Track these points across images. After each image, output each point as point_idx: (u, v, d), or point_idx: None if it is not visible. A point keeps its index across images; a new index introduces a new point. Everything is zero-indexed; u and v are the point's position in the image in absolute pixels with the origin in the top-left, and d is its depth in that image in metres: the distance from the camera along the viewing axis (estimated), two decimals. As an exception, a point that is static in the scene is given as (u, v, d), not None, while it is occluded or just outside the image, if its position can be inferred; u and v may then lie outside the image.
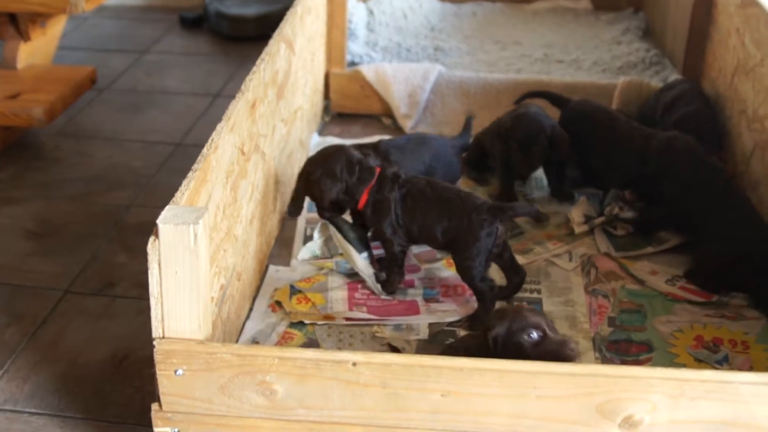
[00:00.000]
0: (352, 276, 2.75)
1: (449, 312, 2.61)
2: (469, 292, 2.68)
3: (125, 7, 5.53)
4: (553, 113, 3.36)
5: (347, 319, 2.56)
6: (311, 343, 2.47)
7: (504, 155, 3.12)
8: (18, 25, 3.64)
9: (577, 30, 4.59)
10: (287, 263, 2.85)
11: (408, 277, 2.76)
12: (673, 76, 3.79)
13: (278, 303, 2.63)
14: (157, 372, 1.95)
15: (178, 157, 3.62)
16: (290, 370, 1.92)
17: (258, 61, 2.66)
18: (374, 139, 3.23)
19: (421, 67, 3.89)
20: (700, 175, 2.80)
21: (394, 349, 2.45)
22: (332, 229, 2.82)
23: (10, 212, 3.20)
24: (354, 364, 1.91)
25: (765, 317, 2.59)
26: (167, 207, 1.91)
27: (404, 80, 3.83)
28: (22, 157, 3.61)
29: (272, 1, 5.06)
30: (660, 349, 2.47)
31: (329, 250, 2.89)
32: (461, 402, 1.92)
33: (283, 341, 2.48)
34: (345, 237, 2.79)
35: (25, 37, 3.67)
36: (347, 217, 2.81)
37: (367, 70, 3.87)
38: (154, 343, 1.93)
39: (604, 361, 2.41)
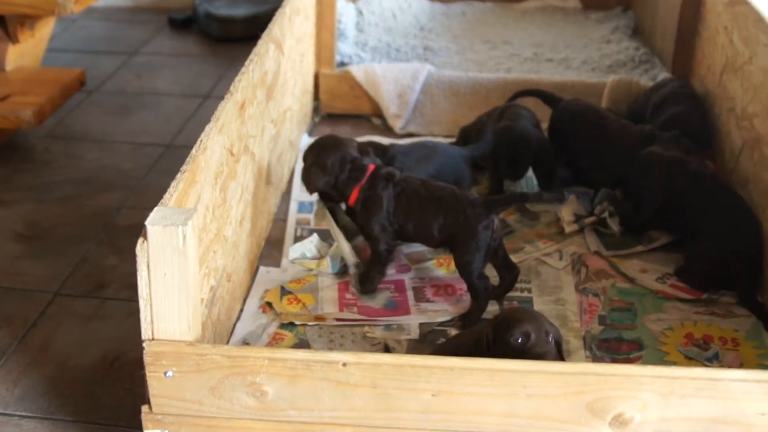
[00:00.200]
0: (343, 276, 2.75)
1: (440, 312, 2.61)
2: (460, 291, 2.68)
3: (114, 8, 5.52)
4: (544, 111, 3.37)
5: (338, 319, 2.56)
6: (302, 344, 2.47)
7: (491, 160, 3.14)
8: (6, 27, 3.62)
9: (566, 29, 4.59)
10: (278, 264, 2.85)
11: (398, 277, 2.76)
12: (663, 74, 3.80)
13: (269, 304, 2.63)
14: (147, 374, 1.94)
15: (167, 159, 3.61)
16: (280, 371, 1.92)
17: (247, 62, 2.66)
18: (364, 139, 3.22)
19: (410, 67, 3.89)
20: (683, 186, 2.80)
21: (388, 349, 2.45)
22: (327, 215, 2.84)
23: (0, 215, 3.19)
24: (344, 364, 1.90)
25: (755, 315, 2.60)
26: (156, 208, 1.90)
27: (394, 80, 3.83)
28: (11, 159, 3.60)
29: (261, 2, 5.06)
30: (650, 347, 2.47)
31: (319, 252, 2.88)
32: (452, 402, 1.92)
33: (274, 342, 2.48)
34: (337, 222, 2.81)
35: (13, 39, 3.66)
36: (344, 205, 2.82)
37: (357, 71, 3.87)
38: (144, 344, 1.93)
39: (595, 359, 2.42)
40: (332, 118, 3.89)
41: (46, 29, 3.93)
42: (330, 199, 2.79)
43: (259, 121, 2.77)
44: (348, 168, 2.69)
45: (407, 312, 2.61)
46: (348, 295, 2.67)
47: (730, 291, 2.68)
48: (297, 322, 2.54)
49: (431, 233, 2.62)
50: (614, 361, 2.41)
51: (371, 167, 2.71)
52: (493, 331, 2.13)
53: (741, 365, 2.40)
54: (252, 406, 1.95)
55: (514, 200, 2.89)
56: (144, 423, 2.00)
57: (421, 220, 2.63)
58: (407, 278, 2.76)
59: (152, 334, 1.94)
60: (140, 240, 1.87)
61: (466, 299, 2.62)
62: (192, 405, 1.96)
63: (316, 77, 3.89)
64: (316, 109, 3.92)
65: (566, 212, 3.03)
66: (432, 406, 1.92)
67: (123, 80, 4.44)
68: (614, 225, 2.94)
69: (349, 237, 2.81)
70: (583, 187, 3.21)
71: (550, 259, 2.86)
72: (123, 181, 3.45)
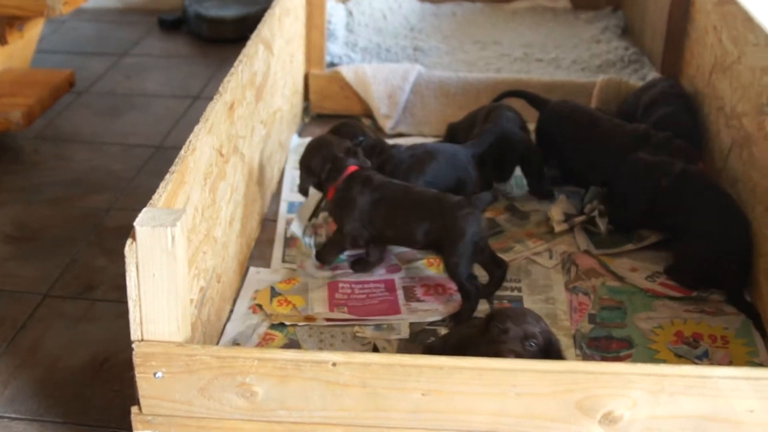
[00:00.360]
0: (333, 276, 2.75)
1: (430, 311, 2.61)
2: (450, 291, 2.68)
3: (103, 9, 5.51)
4: (531, 113, 3.37)
5: (328, 319, 2.56)
6: (292, 344, 2.47)
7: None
8: (-5, 28, 3.62)
9: (556, 29, 4.60)
10: (268, 264, 2.85)
11: (388, 276, 2.76)
12: (652, 74, 3.80)
13: (259, 305, 2.63)
14: (136, 375, 1.94)
15: (157, 160, 3.61)
16: (270, 372, 1.92)
17: (236, 63, 2.66)
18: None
19: (400, 68, 3.89)
20: (669, 187, 2.80)
21: (377, 350, 2.45)
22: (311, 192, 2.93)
23: (-11, 216, 3.19)
24: (334, 364, 1.90)
25: (743, 313, 2.60)
26: (144, 209, 1.90)
27: (384, 81, 3.83)
28: (0, 161, 3.59)
29: (251, 3, 5.06)
30: (640, 345, 2.47)
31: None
32: (442, 401, 1.92)
33: (264, 343, 2.47)
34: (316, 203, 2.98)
35: (2, 40, 3.65)
36: None
37: (347, 71, 3.87)
38: (133, 345, 1.93)
39: (585, 358, 2.42)
40: (322, 118, 3.89)
41: (35, 30, 3.93)
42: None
43: (249, 122, 2.77)
44: (327, 167, 2.74)
45: (397, 312, 2.61)
46: (338, 295, 2.67)
47: (719, 290, 2.68)
48: (287, 323, 2.54)
49: (415, 238, 2.63)
50: (604, 359, 2.41)
51: (351, 168, 2.74)
52: (488, 319, 2.17)
53: (730, 363, 2.40)
54: (242, 406, 1.95)
55: (487, 203, 2.71)
56: (133, 424, 2.00)
57: (402, 226, 2.64)
58: (397, 278, 2.76)
59: (141, 335, 1.94)
60: (129, 241, 1.87)
61: (457, 298, 2.63)
62: (181, 406, 1.96)
63: (306, 78, 3.89)
64: (306, 110, 3.92)
65: (556, 211, 3.04)
66: (422, 405, 1.92)
67: (112, 81, 4.43)
68: (603, 224, 2.94)
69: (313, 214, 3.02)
70: (573, 187, 3.22)
71: (540, 258, 2.87)
72: (112, 182, 3.44)
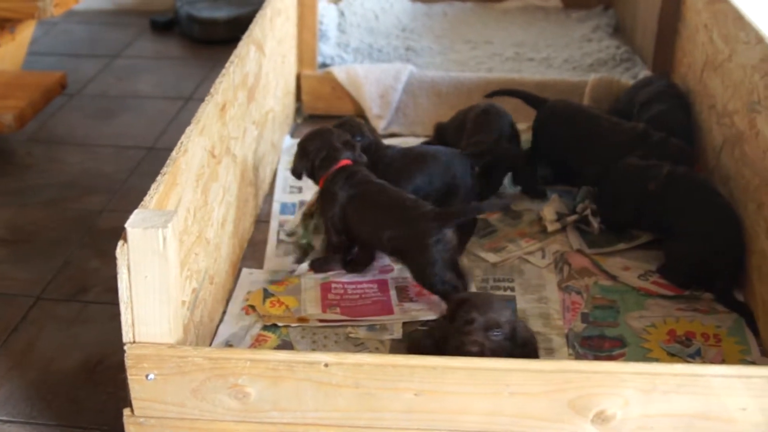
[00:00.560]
0: (326, 277, 2.75)
1: (423, 311, 2.61)
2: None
3: (95, 11, 5.50)
4: (523, 111, 3.38)
5: (321, 320, 2.56)
6: (285, 345, 2.47)
7: None
8: (-14, 31, 3.62)
9: (547, 28, 4.60)
10: (261, 266, 2.85)
11: (381, 276, 2.76)
12: (643, 72, 3.81)
13: (252, 307, 2.63)
14: (128, 377, 1.94)
15: (150, 162, 3.61)
16: (263, 373, 1.92)
17: (227, 64, 2.66)
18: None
19: (392, 68, 3.89)
20: (658, 190, 2.81)
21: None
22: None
23: (-19, 219, 3.19)
24: (326, 365, 1.91)
25: (735, 312, 2.61)
26: (136, 211, 1.90)
27: (376, 81, 3.83)
28: (-8, 163, 3.60)
29: (243, 4, 5.05)
30: (633, 344, 2.48)
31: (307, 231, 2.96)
32: (434, 401, 1.92)
33: (257, 344, 2.47)
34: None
35: (-7, 43, 3.66)
36: None
37: (339, 72, 3.87)
38: (125, 347, 1.93)
39: (578, 357, 2.42)
40: (314, 119, 3.89)
41: (26, 33, 3.92)
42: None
43: (241, 123, 2.76)
44: (322, 155, 2.76)
45: (390, 312, 2.61)
46: (330, 296, 2.67)
47: (709, 291, 2.68)
48: (280, 324, 2.54)
49: (383, 242, 2.63)
50: (597, 358, 2.41)
51: (343, 162, 2.74)
52: (455, 307, 2.21)
53: (723, 361, 2.41)
54: (234, 407, 1.95)
55: (470, 212, 2.74)
56: (126, 426, 2.00)
57: (371, 227, 2.65)
58: (390, 278, 2.76)
59: (133, 337, 1.94)
60: (120, 243, 1.87)
61: (450, 299, 2.63)
62: (174, 408, 1.96)
63: (298, 78, 3.89)
64: (298, 111, 3.92)
65: (548, 211, 3.04)
66: (415, 405, 1.93)
67: (105, 83, 4.42)
68: (595, 223, 2.94)
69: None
70: (565, 186, 3.22)
71: (532, 257, 2.87)
72: (105, 184, 3.44)
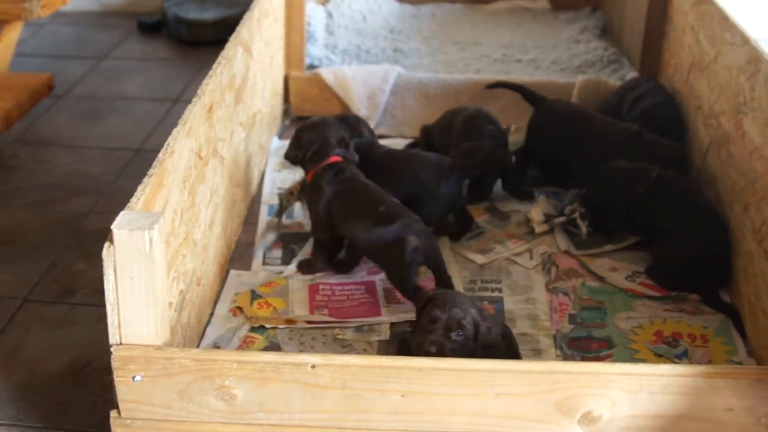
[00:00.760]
0: (313, 278, 2.75)
1: (410, 313, 2.61)
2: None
3: (82, 12, 5.49)
4: (518, 112, 3.38)
5: (308, 322, 2.56)
6: (273, 347, 2.46)
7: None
8: (-27, 32, 3.61)
9: (535, 30, 4.60)
10: (248, 267, 2.84)
11: (369, 278, 2.76)
12: (631, 74, 3.82)
13: (240, 308, 2.62)
14: (115, 379, 1.94)
15: (137, 163, 3.60)
16: (249, 374, 1.92)
17: (214, 65, 2.66)
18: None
19: (380, 69, 3.90)
20: (645, 193, 2.81)
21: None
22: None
23: (-32, 221, 3.18)
24: (313, 366, 1.91)
25: (721, 313, 2.61)
26: (122, 212, 1.90)
27: (363, 82, 3.83)
28: (-21, 165, 3.59)
29: (231, 6, 5.05)
30: (620, 345, 2.48)
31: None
32: (421, 402, 1.92)
33: (245, 345, 2.47)
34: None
35: (-20, 44, 3.65)
36: None
37: (327, 73, 3.87)
38: (112, 349, 1.92)
39: (566, 358, 2.42)
40: (302, 120, 3.87)
41: (13, 34, 3.91)
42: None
43: (228, 125, 2.76)
44: (314, 147, 2.78)
45: (378, 313, 2.61)
46: (318, 297, 2.66)
47: (695, 293, 2.68)
48: (267, 326, 2.54)
49: (357, 242, 2.66)
50: (584, 359, 2.42)
51: (333, 158, 2.76)
52: (421, 305, 2.22)
53: (710, 361, 2.41)
54: (221, 409, 1.95)
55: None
56: (113, 428, 2.00)
57: (350, 226, 2.66)
58: (378, 279, 2.76)
59: (120, 338, 1.93)
60: (107, 244, 1.87)
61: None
62: (161, 409, 1.96)
63: (286, 80, 3.88)
64: (286, 112, 3.91)
65: (536, 212, 3.04)
66: (402, 406, 1.93)
67: (92, 85, 4.42)
68: (584, 227, 2.94)
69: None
70: (554, 187, 3.23)
71: (520, 258, 2.87)
72: (92, 185, 3.43)
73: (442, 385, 1.90)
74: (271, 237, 2.97)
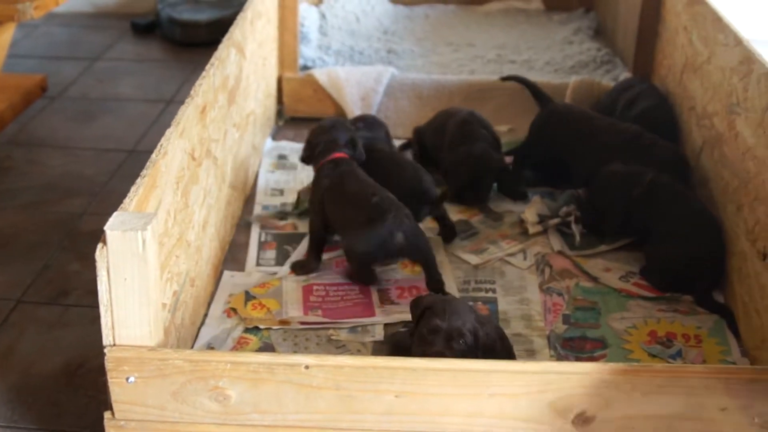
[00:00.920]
0: (307, 279, 2.75)
1: (405, 313, 2.61)
2: (425, 293, 2.68)
3: (76, 14, 5.48)
4: (515, 111, 3.39)
5: (302, 323, 2.55)
6: (267, 348, 2.46)
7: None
8: (-34, 33, 3.60)
9: (528, 30, 4.61)
10: (242, 268, 2.84)
11: (364, 279, 2.77)
12: (624, 74, 3.82)
13: (234, 309, 2.62)
14: (109, 380, 1.93)
15: (131, 164, 3.59)
16: (243, 375, 1.92)
17: (207, 66, 2.65)
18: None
19: (374, 70, 3.90)
20: (641, 196, 2.82)
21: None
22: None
23: (-39, 223, 3.17)
24: (307, 367, 1.90)
25: (714, 313, 2.62)
26: (115, 213, 1.90)
27: (357, 83, 3.83)
28: (-28, 167, 3.58)
29: (225, 7, 5.05)
30: (614, 345, 2.48)
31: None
32: (415, 402, 1.92)
33: (239, 346, 2.47)
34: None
35: (-27, 45, 3.64)
36: None
37: (320, 74, 3.87)
38: (105, 350, 1.92)
39: (560, 358, 2.43)
40: (296, 121, 3.88)
41: (6, 35, 3.90)
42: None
43: (221, 125, 2.76)
44: (320, 149, 2.84)
45: (372, 314, 2.61)
46: (312, 298, 2.66)
47: (689, 294, 2.69)
48: (262, 326, 2.54)
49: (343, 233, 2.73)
50: (578, 359, 2.42)
51: (336, 155, 2.81)
52: (421, 312, 2.22)
53: (704, 362, 2.41)
54: (215, 410, 1.95)
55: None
56: (107, 429, 1.99)
57: (337, 218, 2.72)
58: (372, 280, 2.76)
59: (113, 339, 1.93)
60: (100, 245, 1.86)
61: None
62: (154, 410, 1.95)
63: (280, 81, 3.88)
64: (279, 113, 3.91)
65: (530, 213, 3.04)
66: (395, 407, 1.93)
67: (85, 86, 4.41)
68: (577, 232, 2.93)
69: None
70: (547, 187, 3.23)
71: (514, 259, 2.87)
72: (86, 187, 3.42)
73: (436, 385, 1.90)
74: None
